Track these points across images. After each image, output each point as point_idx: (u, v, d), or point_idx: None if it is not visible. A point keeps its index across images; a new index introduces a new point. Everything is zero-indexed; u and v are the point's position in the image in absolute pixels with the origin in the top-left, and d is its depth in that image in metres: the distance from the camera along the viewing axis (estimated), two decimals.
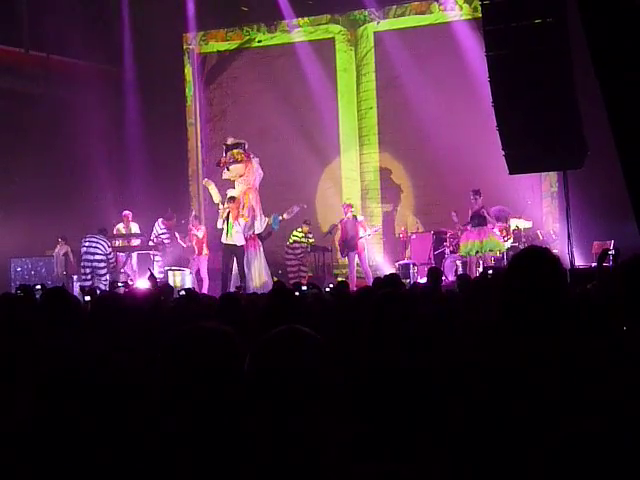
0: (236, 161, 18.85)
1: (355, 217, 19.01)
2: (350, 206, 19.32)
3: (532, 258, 3.55)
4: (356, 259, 18.86)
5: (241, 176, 18.74)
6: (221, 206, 18.43)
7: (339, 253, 19.60)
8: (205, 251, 19.32)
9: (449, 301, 7.13)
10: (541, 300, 3.34)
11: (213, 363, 2.49)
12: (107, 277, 17.94)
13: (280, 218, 18.81)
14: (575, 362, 3.16)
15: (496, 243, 17.22)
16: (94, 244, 17.88)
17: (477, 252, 17.19)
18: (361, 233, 18.80)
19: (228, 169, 18.89)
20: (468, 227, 17.49)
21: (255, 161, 18.89)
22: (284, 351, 2.43)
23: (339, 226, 19.10)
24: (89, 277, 17.84)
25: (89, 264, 17.81)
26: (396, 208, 21.92)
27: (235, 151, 18.92)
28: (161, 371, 2.52)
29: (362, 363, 3.88)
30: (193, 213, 20.22)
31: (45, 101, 21.60)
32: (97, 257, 17.84)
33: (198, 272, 19.07)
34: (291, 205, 19.26)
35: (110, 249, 18.07)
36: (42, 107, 21.40)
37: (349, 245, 18.65)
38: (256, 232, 18.65)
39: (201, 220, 21.48)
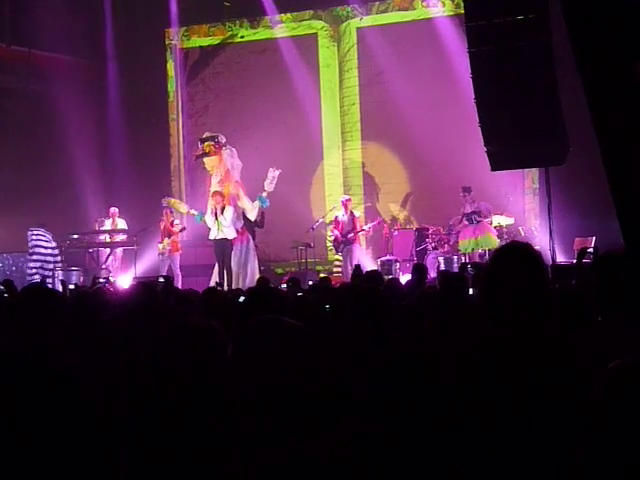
0: (206, 154, 18.94)
1: (352, 212, 19.05)
2: (349, 200, 19.33)
3: (514, 253, 3.55)
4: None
5: (216, 168, 18.82)
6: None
7: (334, 249, 19.58)
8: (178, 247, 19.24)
9: (430, 296, 7.14)
10: (524, 296, 3.35)
11: (200, 358, 2.50)
12: (53, 272, 18.12)
13: (264, 195, 18.71)
14: (558, 357, 3.16)
15: (491, 240, 17.29)
16: (42, 238, 18.01)
17: (473, 249, 17.28)
18: (365, 227, 18.95)
19: (203, 162, 19.02)
20: (465, 223, 17.55)
21: (227, 153, 18.88)
22: (266, 338, 2.43)
23: (334, 222, 19.03)
24: (39, 271, 17.97)
25: (40, 257, 17.97)
26: (378, 204, 21.92)
27: (206, 144, 19.00)
28: (149, 368, 2.52)
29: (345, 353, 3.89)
30: (164, 204, 19.84)
31: (26, 96, 21.52)
32: (43, 251, 17.96)
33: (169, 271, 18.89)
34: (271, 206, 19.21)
35: (54, 243, 18.21)
36: (23, 102, 21.33)
37: (347, 240, 18.64)
38: (252, 219, 18.65)
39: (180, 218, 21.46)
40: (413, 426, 3.12)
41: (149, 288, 5.82)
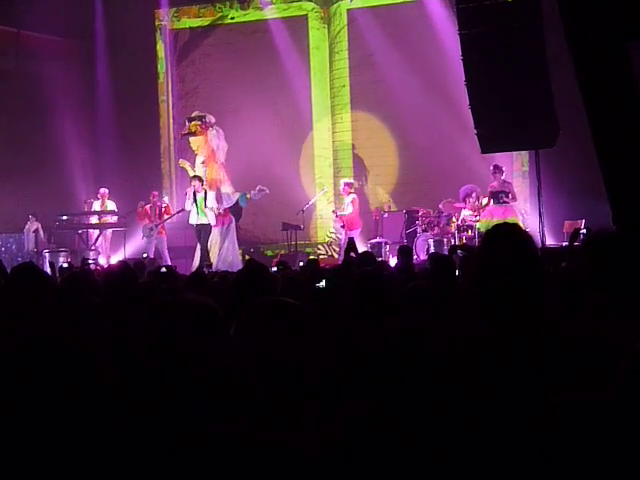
0: (192, 133, 18.93)
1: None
2: (351, 185, 19.44)
3: (505, 235, 3.52)
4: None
5: (201, 148, 18.82)
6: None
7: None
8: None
9: (420, 278, 7.14)
10: (517, 279, 3.33)
11: (197, 334, 2.49)
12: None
13: (247, 197, 18.77)
14: (558, 343, 3.15)
15: (511, 222, 17.09)
16: None
17: None
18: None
19: (189, 142, 18.98)
20: (490, 201, 17.32)
21: (212, 133, 18.87)
22: (273, 319, 2.43)
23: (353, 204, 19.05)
24: None
25: None
26: (368, 186, 21.91)
27: (192, 123, 18.98)
28: (145, 341, 2.51)
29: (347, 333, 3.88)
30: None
31: (15, 76, 21.45)
32: None
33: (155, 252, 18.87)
34: (256, 185, 19.23)
35: None
36: (12, 82, 21.26)
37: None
38: (224, 207, 18.65)
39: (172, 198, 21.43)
40: (414, 409, 3.11)
41: (127, 266, 5.83)
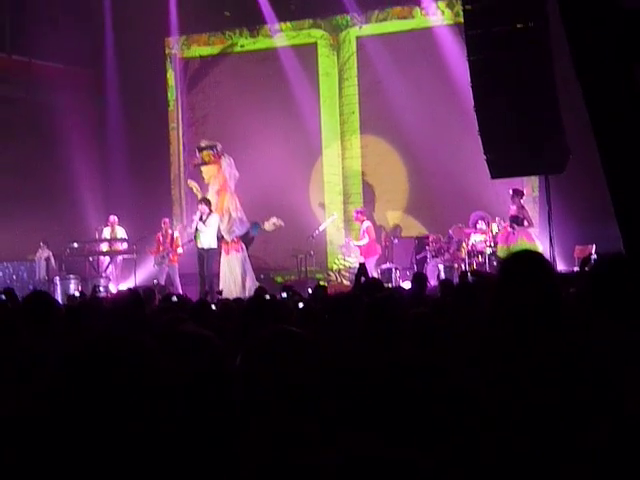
0: (205, 163, 18.96)
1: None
2: (363, 212, 19.52)
3: (526, 262, 3.45)
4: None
5: (214, 177, 18.82)
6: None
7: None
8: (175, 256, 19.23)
9: (433, 306, 7.12)
10: (538, 307, 3.27)
11: (195, 366, 2.50)
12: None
13: (260, 227, 18.80)
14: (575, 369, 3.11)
15: (526, 247, 17.08)
16: None
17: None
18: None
19: (201, 171, 18.99)
20: (508, 227, 17.33)
21: (226, 162, 18.90)
22: (279, 351, 2.43)
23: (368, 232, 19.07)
24: None
25: None
26: (378, 213, 21.91)
27: (205, 153, 19.02)
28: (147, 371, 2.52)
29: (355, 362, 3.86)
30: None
31: (26, 105, 21.58)
32: None
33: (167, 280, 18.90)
34: (271, 216, 19.26)
35: None
36: (23, 110, 21.39)
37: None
38: (237, 234, 18.65)
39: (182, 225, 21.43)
40: (424, 444, 3.10)
41: (134, 294, 5.84)
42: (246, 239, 19.06)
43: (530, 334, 3.21)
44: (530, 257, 3.51)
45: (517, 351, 3.18)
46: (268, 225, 19.02)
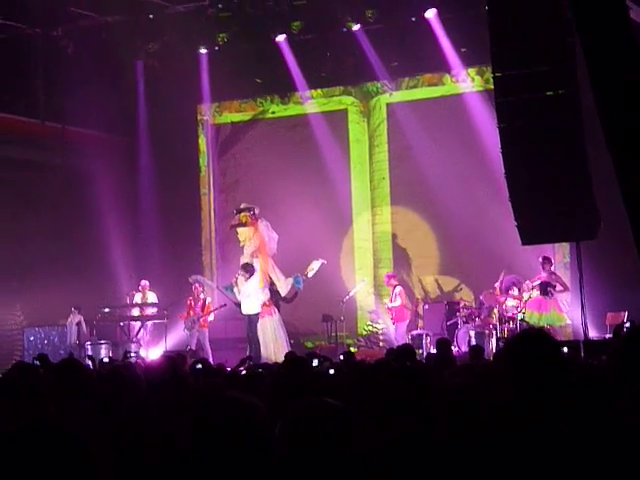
0: (242, 224, 19.03)
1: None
2: (394, 276, 19.63)
3: (527, 344, 3.43)
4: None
5: (250, 240, 18.89)
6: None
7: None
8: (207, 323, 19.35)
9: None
10: (540, 387, 3.25)
11: (242, 433, 2.50)
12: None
13: (303, 277, 18.81)
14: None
15: (557, 317, 17.15)
16: None
17: (537, 323, 16.92)
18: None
19: (237, 232, 19.09)
20: (537, 293, 17.39)
21: (263, 224, 18.99)
22: (318, 426, 2.43)
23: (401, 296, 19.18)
24: None
25: None
26: (408, 278, 21.88)
27: (242, 214, 19.09)
28: (191, 441, 2.54)
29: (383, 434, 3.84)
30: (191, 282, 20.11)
31: (61, 171, 21.86)
32: None
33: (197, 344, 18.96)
34: (308, 264, 19.28)
35: None
36: (58, 177, 21.66)
37: None
38: (282, 295, 18.73)
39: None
40: None
41: (172, 362, 5.84)
42: (287, 297, 19.11)
43: (530, 415, 3.20)
44: (534, 337, 3.50)
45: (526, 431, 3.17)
46: (310, 272, 18.97)
